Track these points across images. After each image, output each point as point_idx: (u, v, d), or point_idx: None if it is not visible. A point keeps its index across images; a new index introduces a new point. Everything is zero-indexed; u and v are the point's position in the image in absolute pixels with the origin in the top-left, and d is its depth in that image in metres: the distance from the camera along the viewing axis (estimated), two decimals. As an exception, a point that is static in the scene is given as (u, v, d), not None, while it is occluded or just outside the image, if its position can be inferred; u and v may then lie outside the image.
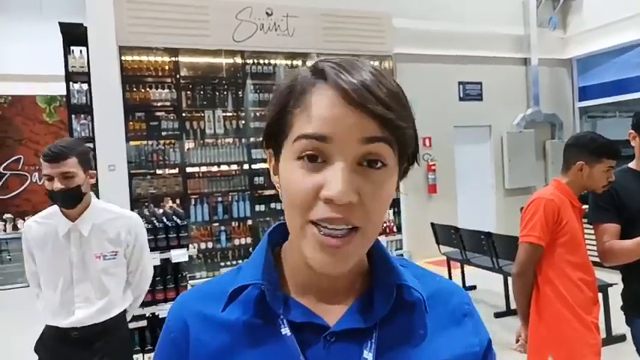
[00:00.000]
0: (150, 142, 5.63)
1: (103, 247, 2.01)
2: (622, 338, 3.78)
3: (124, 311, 2.13)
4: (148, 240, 3.18)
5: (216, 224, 5.84)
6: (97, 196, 5.23)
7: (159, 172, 5.69)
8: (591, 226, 2.20)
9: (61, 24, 5.23)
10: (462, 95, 7.22)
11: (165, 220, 3.37)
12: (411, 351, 0.63)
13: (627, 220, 2.11)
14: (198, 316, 0.65)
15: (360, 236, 0.56)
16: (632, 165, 2.25)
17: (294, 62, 6.28)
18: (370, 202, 0.55)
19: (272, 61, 6.14)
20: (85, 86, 5.28)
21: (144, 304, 3.16)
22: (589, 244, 2.13)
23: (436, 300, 0.67)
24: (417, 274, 0.69)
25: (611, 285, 3.82)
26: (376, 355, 0.60)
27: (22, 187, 7.98)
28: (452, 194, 7.16)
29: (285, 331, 0.60)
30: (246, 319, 0.63)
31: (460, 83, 7.19)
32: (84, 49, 5.27)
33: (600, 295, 3.64)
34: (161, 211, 3.61)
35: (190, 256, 3.32)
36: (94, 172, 2.02)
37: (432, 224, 5.36)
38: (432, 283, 0.70)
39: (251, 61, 6.04)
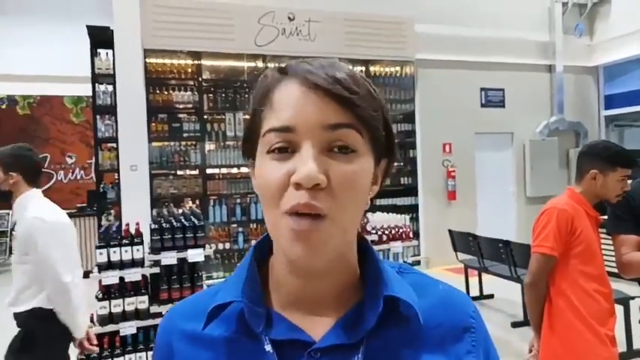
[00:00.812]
0: (171, 144, 5.74)
1: (16, 245, 2.27)
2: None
3: (34, 310, 2.25)
4: (166, 239, 3.29)
5: (234, 225, 5.90)
6: (119, 196, 5.33)
7: (179, 172, 5.79)
8: (609, 237, 2.16)
9: (88, 27, 5.38)
10: (484, 102, 7.14)
11: (183, 220, 3.42)
12: None
13: (646, 231, 2.07)
14: (181, 334, 0.64)
15: (329, 224, 0.54)
16: (651, 175, 2.21)
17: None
18: (340, 188, 0.54)
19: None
20: (110, 88, 5.42)
21: (160, 302, 3.23)
22: (606, 255, 2.09)
23: (437, 311, 0.63)
24: (416, 281, 0.65)
25: (633, 298, 3.74)
26: None
27: (48, 185, 8.21)
28: (472, 201, 7.08)
29: (268, 347, 0.58)
30: (229, 336, 0.61)
31: (482, 89, 7.12)
32: (110, 51, 5.40)
33: (622, 307, 3.61)
34: (180, 211, 3.67)
35: (207, 256, 3.36)
36: (14, 174, 2.29)
37: (450, 231, 5.32)
38: (434, 292, 0.66)
39: (272, 65, 6.06)
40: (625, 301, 3.73)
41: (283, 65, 0.59)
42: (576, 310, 1.94)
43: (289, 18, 5.95)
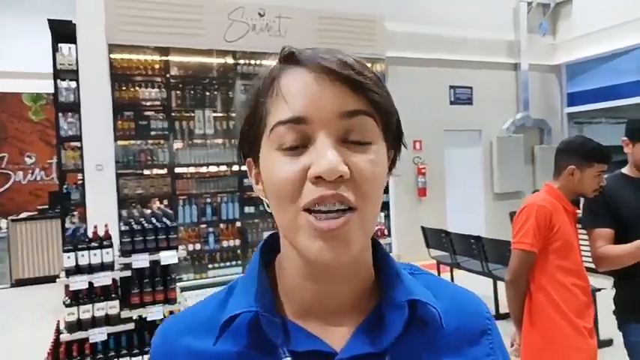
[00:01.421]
0: (138, 142, 5.56)
1: None
2: (609, 343, 3.80)
3: None
4: (138, 241, 3.18)
5: (205, 226, 5.78)
6: (84, 197, 5.15)
7: (147, 172, 5.62)
8: (585, 232, 2.20)
9: (49, 20, 5.15)
10: (452, 99, 7.24)
11: (154, 221, 3.32)
12: None
13: (621, 226, 2.11)
14: (186, 351, 0.57)
15: (357, 218, 0.51)
16: (625, 170, 2.26)
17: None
18: (362, 178, 0.51)
19: (263, 62, 6.11)
20: (73, 84, 5.20)
21: (131, 307, 3.12)
22: (582, 249, 2.13)
23: (452, 314, 0.60)
24: (429, 283, 0.62)
25: (599, 290, 3.84)
26: None
27: (6, 186, 7.85)
28: (441, 198, 7.18)
29: None
30: (241, 350, 0.55)
31: (451, 87, 7.22)
32: (73, 46, 5.19)
33: (589, 299, 3.72)
34: (150, 211, 3.56)
35: (179, 258, 3.27)
36: None
37: (423, 228, 5.36)
38: (446, 293, 0.63)
39: (242, 62, 6.00)
40: (592, 293, 3.83)
41: (287, 53, 0.54)
42: (555, 305, 1.97)
43: (259, 14, 5.87)
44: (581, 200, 2.24)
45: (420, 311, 0.57)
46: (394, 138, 0.58)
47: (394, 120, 0.57)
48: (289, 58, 0.54)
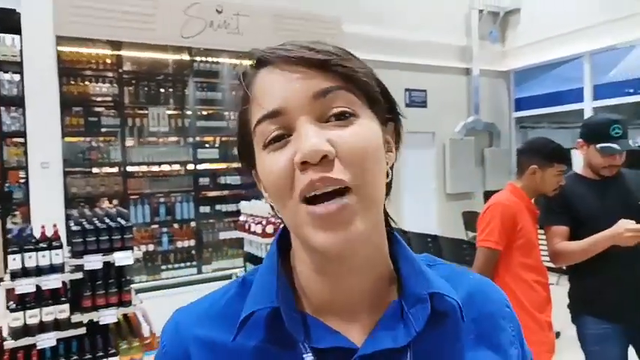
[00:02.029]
0: (88, 139, 5.32)
1: None
2: (557, 335, 3.98)
3: None
4: (90, 242, 3.02)
5: (158, 226, 5.60)
6: (27, 196, 4.90)
7: (96, 170, 5.38)
8: (542, 229, 2.29)
9: (-10, 8, 4.84)
10: (408, 102, 7.38)
11: (107, 220, 3.17)
12: None
13: (576, 223, 2.22)
14: (200, 343, 0.55)
15: (355, 197, 0.49)
16: (579, 171, 2.37)
17: (242, 61, 6.17)
18: (351, 153, 0.49)
19: (220, 60, 6.00)
20: (16, 77, 4.92)
21: (83, 310, 2.97)
22: (540, 246, 2.22)
23: (470, 303, 0.59)
24: (446, 273, 0.62)
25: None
26: None
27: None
28: (397, 198, 7.29)
29: (309, 358, 0.52)
30: (259, 345, 0.54)
31: (407, 90, 7.35)
32: (17, 37, 4.89)
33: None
34: (103, 211, 3.41)
35: (137, 259, 3.15)
36: None
37: (380, 227, 5.42)
38: (464, 282, 0.62)
39: (199, 59, 5.86)
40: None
41: (256, 57, 0.55)
42: (518, 300, 2.03)
43: (217, 10, 5.75)
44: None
45: (439, 304, 0.56)
46: (386, 109, 0.57)
47: (375, 89, 0.55)
48: (257, 62, 0.54)
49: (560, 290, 2.52)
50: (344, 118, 0.51)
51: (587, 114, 7.29)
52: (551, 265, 2.31)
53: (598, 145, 2.20)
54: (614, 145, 2.16)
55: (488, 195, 7.33)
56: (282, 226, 0.61)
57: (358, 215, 0.49)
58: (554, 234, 2.22)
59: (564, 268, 2.41)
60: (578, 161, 2.40)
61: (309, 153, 0.47)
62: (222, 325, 0.55)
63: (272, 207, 0.59)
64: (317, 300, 0.56)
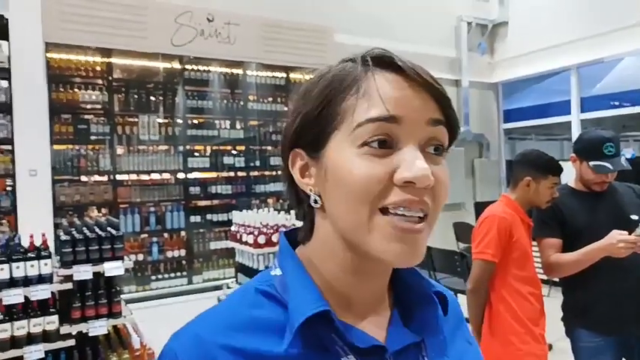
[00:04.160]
0: (77, 147, 5.25)
1: None
2: (549, 347, 3.99)
3: None
4: (80, 251, 2.97)
5: (147, 235, 5.54)
6: (14, 204, 4.81)
7: (85, 178, 5.32)
8: (535, 241, 2.31)
9: (-21, 14, 4.78)
10: (398, 112, 7.42)
11: (97, 229, 3.13)
12: (455, 356, 0.63)
13: (569, 235, 2.24)
14: (231, 352, 0.53)
15: (427, 225, 0.54)
16: (571, 184, 2.40)
17: (233, 70, 6.17)
18: (440, 188, 0.54)
19: (210, 68, 5.99)
20: (4, 83, 4.84)
21: (72, 322, 2.92)
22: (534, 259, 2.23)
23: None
24: None
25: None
26: None
27: None
28: (387, 208, 7.31)
29: (350, 359, 0.54)
30: (291, 351, 0.53)
31: (397, 100, 7.39)
32: (5, 43, 4.84)
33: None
34: (93, 220, 3.36)
35: (126, 269, 3.10)
36: None
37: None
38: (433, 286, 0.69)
39: (189, 67, 5.85)
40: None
41: (381, 55, 0.56)
42: (514, 313, 2.04)
43: (208, 19, 5.74)
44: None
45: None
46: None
47: (456, 138, 0.60)
48: (380, 61, 0.56)
49: (551, 302, 2.53)
50: (438, 152, 0.56)
51: (575, 126, 7.39)
52: (543, 276, 2.32)
53: (591, 163, 2.22)
54: (607, 165, 2.19)
55: (478, 206, 7.38)
56: (283, 230, 0.67)
57: (425, 239, 0.55)
58: (547, 246, 2.24)
59: (557, 280, 2.42)
60: (569, 173, 2.43)
61: (420, 178, 0.51)
62: (255, 335, 0.54)
63: (293, 194, 0.61)
64: (338, 297, 0.58)
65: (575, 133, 7.25)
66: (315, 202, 0.57)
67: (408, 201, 0.51)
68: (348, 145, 0.53)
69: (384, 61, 0.56)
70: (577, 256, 2.13)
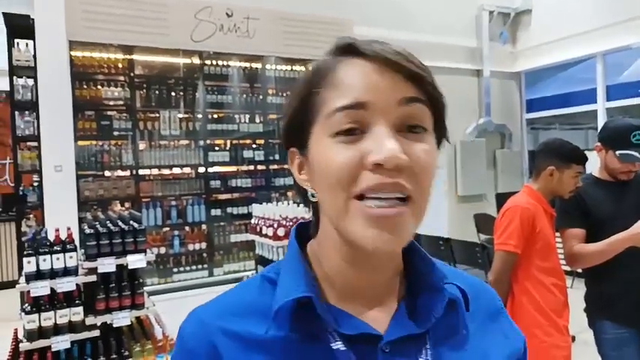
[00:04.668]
0: (100, 143, 5.36)
1: None
2: (572, 339, 3.92)
3: None
4: (104, 244, 3.04)
5: (169, 229, 5.62)
6: (41, 199, 4.94)
7: (109, 173, 5.42)
8: (558, 232, 2.26)
9: (5, 14, 4.91)
10: (418, 103, 7.34)
11: (120, 223, 3.19)
12: (465, 353, 0.59)
13: (592, 226, 2.19)
14: (227, 335, 0.56)
15: (411, 207, 0.52)
16: (596, 173, 2.34)
17: (252, 65, 6.19)
18: (419, 167, 0.52)
19: (230, 63, 6.02)
20: (30, 82, 4.96)
21: (96, 313, 2.98)
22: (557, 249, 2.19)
23: (472, 298, 0.63)
24: (444, 270, 0.65)
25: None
26: None
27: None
28: (408, 201, 7.26)
29: (338, 345, 0.54)
30: (288, 335, 0.55)
31: (417, 92, 7.32)
32: (30, 42, 4.95)
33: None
34: (116, 214, 3.43)
35: (148, 262, 3.16)
36: None
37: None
38: (460, 279, 0.66)
39: (209, 62, 5.89)
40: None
41: (343, 44, 0.56)
42: (537, 304, 2.01)
43: (227, 14, 5.77)
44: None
45: (451, 294, 0.60)
46: (440, 132, 0.60)
47: (444, 113, 0.59)
48: (347, 49, 0.56)
49: (574, 293, 2.48)
50: (417, 131, 0.54)
51: (600, 115, 7.21)
52: (566, 267, 2.28)
53: (617, 152, 2.17)
54: (635, 153, 2.13)
55: (500, 197, 7.28)
56: (298, 222, 0.65)
57: (409, 223, 0.52)
58: (570, 236, 2.20)
59: (580, 271, 2.38)
60: (593, 163, 2.37)
61: (388, 158, 0.49)
62: (249, 319, 0.57)
63: (299, 190, 0.61)
64: (340, 290, 0.59)
65: (601, 122, 7.07)
66: (313, 196, 0.58)
67: (380, 185, 0.50)
68: (324, 137, 0.54)
69: (350, 49, 0.56)
70: (601, 247, 2.08)
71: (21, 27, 4.92)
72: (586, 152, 2.17)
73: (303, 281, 0.56)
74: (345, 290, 0.59)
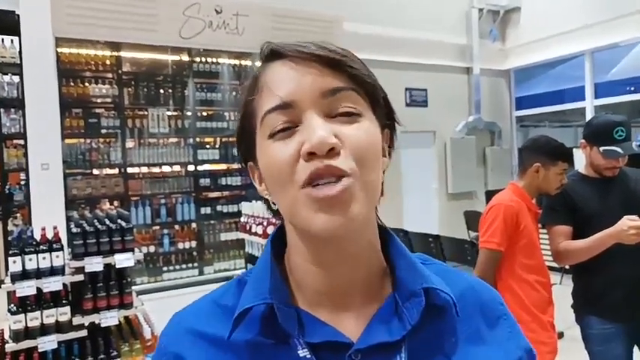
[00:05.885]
0: (88, 140, 5.30)
1: None
2: (560, 335, 3.96)
3: None
4: (90, 243, 3.01)
5: (158, 227, 5.58)
6: (28, 198, 4.87)
7: (97, 172, 5.37)
8: (544, 229, 2.28)
9: (-11, 10, 4.83)
10: (408, 101, 7.36)
11: (108, 222, 3.16)
12: (465, 357, 0.56)
13: (579, 222, 2.20)
14: (196, 336, 0.57)
15: (356, 182, 0.51)
16: (581, 170, 2.35)
17: (242, 62, 6.16)
18: (356, 146, 0.52)
19: (219, 60, 5.99)
20: (16, 79, 4.90)
21: (84, 313, 2.96)
22: (542, 246, 2.20)
23: (465, 301, 0.60)
24: (440, 271, 0.62)
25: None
26: None
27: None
28: (398, 198, 7.27)
29: (304, 353, 0.53)
30: (253, 339, 0.55)
31: (407, 89, 7.33)
32: (16, 38, 4.88)
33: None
34: (103, 212, 3.39)
35: (138, 261, 3.13)
36: None
37: (381, 227, 5.40)
38: (459, 281, 0.63)
39: (198, 59, 5.85)
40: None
41: (267, 49, 0.57)
42: (521, 301, 2.02)
43: (216, 11, 5.73)
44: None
45: (434, 299, 0.57)
46: (385, 116, 0.59)
47: (379, 93, 0.58)
48: (271, 54, 0.56)
49: (563, 290, 2.50)
50: (349, 114, 0.53)
51: (589, 112, 7.27)
52: (553, 264, 2.29)
53: (601, 148, 2.18)
54: (617, 149, 2.15)
55: (490, 194, 7.32)
56: (277, 227, 0.64)
57: (357, 198, 0.51)
58: (557, 233, 2.21)
59: (568, 267, 2.40)
60: (579, 160, 2.38)
61: (317, 144, 0.49)
62: (219, 322, 0.57)
63: (266, 201, 0.61)
64: (311, 292, 0.57)
65: (590, 119, 7.13)
66: (274, 203, 0.58)
67: (315, 173, 0.50)
68: (264, 140, 0.55)
69: (273, 53, 0.57)
70: (587, 244, 2.10)
71: (6, 23, 4.84)
72: (575, 149, 2.18)
73: (266, 287, 0.55)
74: (316, 294, 0.57)
